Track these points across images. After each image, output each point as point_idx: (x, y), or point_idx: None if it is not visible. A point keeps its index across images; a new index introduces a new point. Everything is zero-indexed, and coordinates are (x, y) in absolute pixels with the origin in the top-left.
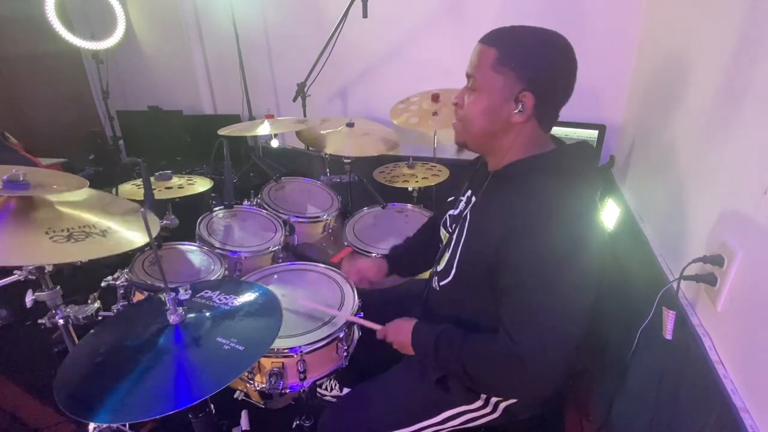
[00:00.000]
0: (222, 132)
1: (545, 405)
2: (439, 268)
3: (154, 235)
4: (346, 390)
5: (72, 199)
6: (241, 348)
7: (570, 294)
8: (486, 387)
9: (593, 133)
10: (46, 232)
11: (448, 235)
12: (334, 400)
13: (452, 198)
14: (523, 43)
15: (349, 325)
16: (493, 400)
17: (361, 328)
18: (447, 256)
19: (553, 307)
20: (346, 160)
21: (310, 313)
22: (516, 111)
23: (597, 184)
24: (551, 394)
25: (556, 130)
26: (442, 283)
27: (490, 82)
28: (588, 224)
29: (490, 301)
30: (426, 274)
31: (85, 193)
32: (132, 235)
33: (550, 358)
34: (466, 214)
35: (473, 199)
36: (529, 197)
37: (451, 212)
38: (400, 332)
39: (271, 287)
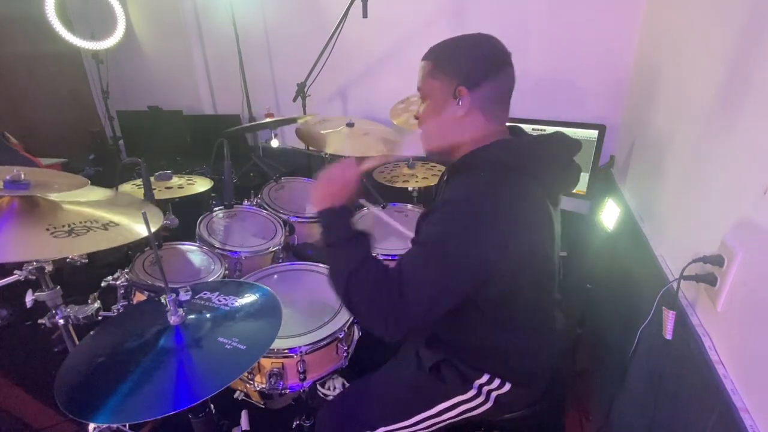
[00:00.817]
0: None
1: (540, 400)
2: None
3: (155, 229)
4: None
5: (75, 197)
6: (243, 347)
7: (443, 268)
8: (350, 305)
9: (593, 133)
10: (47, 229)
11: None
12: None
13: None
14: (451, 49)
15: (349, 324)
16: (485, 389)
17: (362, 328)
18: None
19: (422, 271)
20: None
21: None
22: (456, 106)
23: (556, 180)
24: (385, 338)
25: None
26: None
27: (431, 88)
28: (509, 214)
29: None
30: None
31: (88, 190)
32: (134, 228)
33: (395, 307)
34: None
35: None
36: (465, 183)
37: None
38: (331, 189)
39: (270, 287)
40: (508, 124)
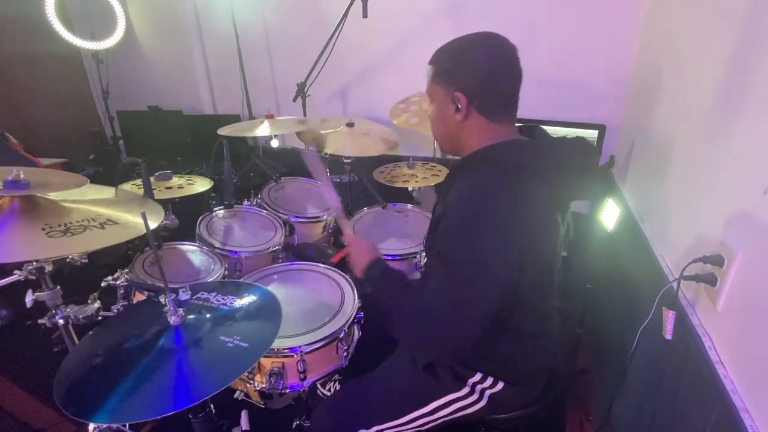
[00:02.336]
0: (222, 132)
1: (537, 401)
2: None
3: (155, 226)
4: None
5: (76, 196)
6: (245, 345)
7: (468, 277)
8: (398, 333)
9: (593, 133)
10: (42, 228)
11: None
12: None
13: None
14: (449, 53)
15: (349, 324)
16: (479, 387)
17: (362, 327)
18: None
19: (454, 285)
20: (346, 160)
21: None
22: (456, 109)
23: (559, 181)
24: (443, 353)
25: (557, 130)
26: (422, 271)
27: (435, 93)
28: (519, 219)
29: None
30: None
31: (89, 189)
32: (134, 226)
33: (441, 318)
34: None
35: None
36: (468, 182)
37: None
38: (361, 253)
39: (271, 287)
40: (527, 125)
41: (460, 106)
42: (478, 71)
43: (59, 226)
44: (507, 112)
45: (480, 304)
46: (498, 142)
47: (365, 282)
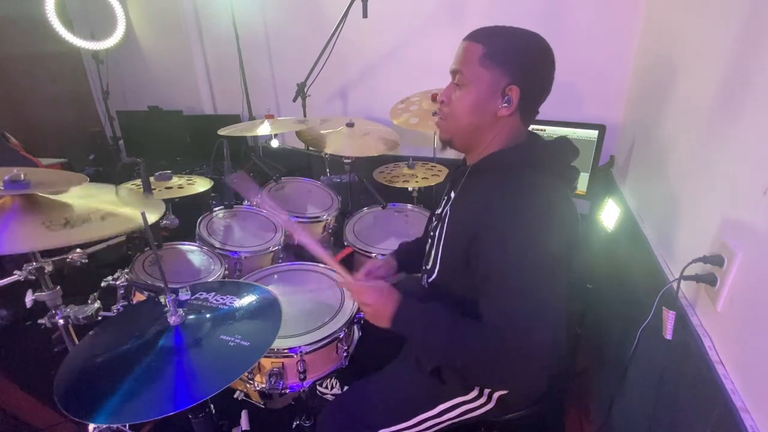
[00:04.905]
0: (222, 132)
1: (541, 400)
2: (427, 266)
3: (154, 220)
4: (346, 389)
5: (76, 195)
6: (246, 343)
7: (546, 280)
8: (478, 378)
9: (593, 133)
10: (43, 222)
11: (432, 233)
12: (333, 398)
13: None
14: (508, 40)
15: (349, 324)
16: (487, 390)
17: (362, 328)
18: (432, 253)
19: (534, 294)
20: (346, 160)
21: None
22: (503, 105)
23: (571, 178)
24: (544, 384)
25: (557, 130)
26: (429, 280)
27: (477, 76)
28: (561, 215)
29: (475, 294)
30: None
31: (90, 188)
32: (133, 218)
33: (537, 346)
34: (446, 211)
35: (452, 195)
36: (505, 188)
37: (436, 211)
38: (380, 302)
39: (271, 287)
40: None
41: (510, 101)
42: (538, 67)
43: (60, 220)
44: (535, 115)
45: (562, 307)
46: (525, 143)
47: (398, 332)
